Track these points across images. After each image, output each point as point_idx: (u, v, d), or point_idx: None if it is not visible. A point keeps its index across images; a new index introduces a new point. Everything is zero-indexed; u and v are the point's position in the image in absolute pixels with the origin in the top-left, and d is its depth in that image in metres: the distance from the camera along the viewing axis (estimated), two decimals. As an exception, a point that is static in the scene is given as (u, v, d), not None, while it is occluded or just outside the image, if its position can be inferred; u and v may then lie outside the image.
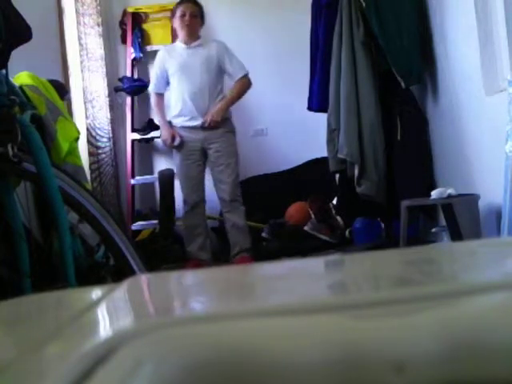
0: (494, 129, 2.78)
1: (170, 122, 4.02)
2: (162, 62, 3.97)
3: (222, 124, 3.84)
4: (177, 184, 4.31)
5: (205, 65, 3.85)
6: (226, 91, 3.95)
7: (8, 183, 1.61)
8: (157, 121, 4.25)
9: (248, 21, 4.94)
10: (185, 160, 3.87)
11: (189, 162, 3.86)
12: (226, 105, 3.87)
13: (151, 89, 4.06)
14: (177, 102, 3.89)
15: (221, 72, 3.91)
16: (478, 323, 0.31)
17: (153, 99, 4.08)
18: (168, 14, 4.90)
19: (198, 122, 3.83)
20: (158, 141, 5.01)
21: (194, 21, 3.90)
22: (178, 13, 3.91)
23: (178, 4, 3.96)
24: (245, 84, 3.93)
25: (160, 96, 4.02)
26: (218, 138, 3.84)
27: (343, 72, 3.66)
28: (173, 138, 3.86)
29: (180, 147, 3.88)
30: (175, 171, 4.05)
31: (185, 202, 3.87)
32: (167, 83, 3.96)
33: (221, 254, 4.27)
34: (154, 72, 4.06)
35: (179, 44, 3.98)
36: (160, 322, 0.36)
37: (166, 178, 4.36)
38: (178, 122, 3.90)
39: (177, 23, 3.94)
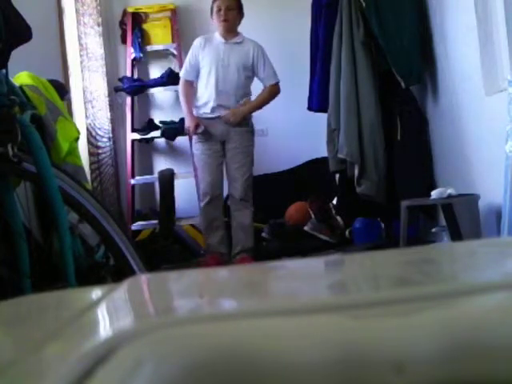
0: (493, 129, 2.78)
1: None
2: (196, 51, 3.92)
3: (242, 122, 3.84)
4: (176, 183, 4.31)
5: (239, 64, 3.83)
6: (252, 95, 3.93)
7: (8, 183, 1.61)
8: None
9: (248, 21, 4.93)
10: (207, 150, 3.84)
11: (210, 153, 3.84)
12: (249, 110, 3.88)
13: (182, 74, 4.00)
14: (203, 94, 3.86)
15: (252, 74, 3.90)
16: (478, 323, 0.31)
17: (181, 85, 3.99)
18: (168, 13, 4.91)
19: (219, 113, 3.81)
20: (158, 141, 5.01)
21: (231, 14, 3.85)
22: (215, 8, 3.88)
23: (214, 0, 3.93)
24: (273, 92, 3.92)
25: (189, 83, 3.95)
26: (237, 135, 3.83)
27: (343, 72, 3.66)
28: (196, 126, 3.83)
29: (201, 137, 3.85)
30: (196, 161, 4.01)
31: (204, 193, 3.82)
32: (197, 73, 3.91)
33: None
34: (186, 59, 4.00)
35: (218, 37, 3.93)
36: (160, 322, 0.36)
37: (166, 178, 4.35)
38: (201, 112, 3.88)
39: (214, 19, 3.90)
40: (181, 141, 4.79)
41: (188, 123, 3.88)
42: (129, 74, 4.89)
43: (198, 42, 3.96)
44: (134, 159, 4.83)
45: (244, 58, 3.85)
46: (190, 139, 4.17)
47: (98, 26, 4.61)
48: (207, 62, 3.85)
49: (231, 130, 3.82)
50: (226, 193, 3.99)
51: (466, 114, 3.19)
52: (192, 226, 4.53)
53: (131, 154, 4.79)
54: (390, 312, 0.34)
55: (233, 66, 3.82)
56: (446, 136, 3.49)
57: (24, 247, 1.59)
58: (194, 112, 3.90)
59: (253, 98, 3.97)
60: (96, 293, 0.61)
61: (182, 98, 3.98)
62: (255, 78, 3.95)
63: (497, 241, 1.09)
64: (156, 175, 4.60)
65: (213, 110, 3.83)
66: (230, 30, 3.88)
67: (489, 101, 2.86)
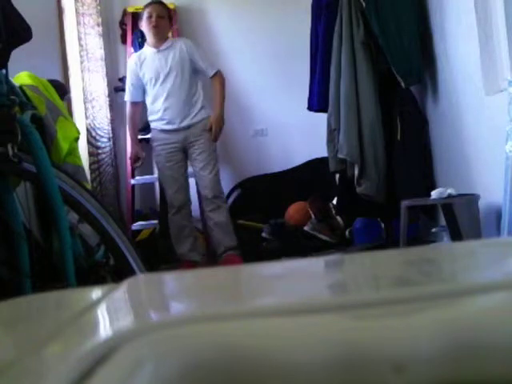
0: (493, 129, 2.78)
1: (145, 127, 4.03)
2: (134, 70, 3.92)
3: (200, 123, 3.86)
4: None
5: (178, 67, 3.84)
6: (201, 89, 3.94)
7: (8, 183, 1.61)
8: (128, 134, 4.22)
9: (248, 21, 4.94)
10: (167, 162, 3.85)
11: (171, 164, 3.85)
12: (221, 109, 3.89)
13: (127, 98, 4.00)
14: (154, 107, 3.88)
15: (194, 71, 3.90)
16: (478, 323, 0.31)
17: (128, 109, 4.00)
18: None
19: (176, 125, 3.84)
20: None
21: (162, 22, 3.85)
22: (145, 14, 3.87)
23: (145, 6, 3.92)
24: (222, 80, 3.94)
25: (136, 105, 3.97)
26: (198, 136, 3.85)
27: (343, 72, 3.66)
28: (136, 159, 3.92)
29: (161, 150, 3.88)
30: (157, 175, 4.04)
31: (170, 204, 3.84)
32: (143, 91, 3.92)
33: (211, 255, 4.26)
34: (128, 81, 3.99)
35: (149, 49, 3.92)
36: (160, 322, 0.36)
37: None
38: (158, 125, 3.90)
39: (144, 25, 3.89)
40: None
41: (131, 154, 3.99)
42: (129, 73, 4.88)
43: (132, 61, 3.98)
44: (134, 159, 4.83)
45: (180, 59, 3.86)
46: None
47: (98, 26, 4.61)
48: (148, 77, 3.86)
49: (191, 134, 3.84)
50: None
51: (466, 114, 3.19)
52: (192, 226, 4.52)
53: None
54: (390, 312, 0.34)
55: (173, 72, 3.83)
56: (446, 136, 3.49)
57: (24, 247, 1.59)
58: (152, 126, 3.93)
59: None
60: (96, 293, 0.61)
61: (128, 124, 4.02)
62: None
63: (497, 241, 1.09)
64: (156, 175, 4.60)
65: (168, 121, 3.85)
66: (161, 37, 3.88)
67: (489, 101, 2.85)
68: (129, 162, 4.75)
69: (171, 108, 3.82)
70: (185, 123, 3.84)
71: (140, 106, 3.99)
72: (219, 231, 3.84)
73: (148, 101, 3.91)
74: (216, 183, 3.86)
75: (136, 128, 3.99)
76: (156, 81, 3.83)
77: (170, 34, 4.09)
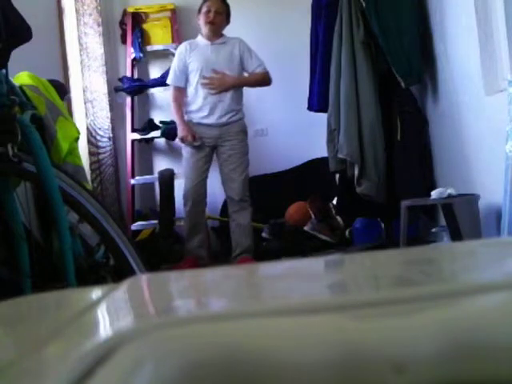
0: (493, 129, 2.78)
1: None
2: (183, 55, 3.90)
3: (236, 123, 3.85)
4: (176, 183, 4.31)
5: (228, 63, 3.84)
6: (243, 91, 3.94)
7: (8, 183, 1.61)
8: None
9: (248, 21, 4.94)
10: (195, 155, 3.83)
11: (198, 158, 3.83)
12: (239, 80, 3.86)
13: (170, 81, 3.95)
14: (196, 98, 3.84)
15: (242, 71, 3.90)
16: (478, 323, 0.31)
17: (172, 93, 3.96)
18: (168, 13, 4.91)
19: (213, 120, 3.81)
20: (158, 141, 5.01)
21: (219, 18, 3.87)
22: (204, 8, 3.88)
23: (205, 0, 3.93)
24: (266, 78, 3.92)
25: (179, 90, 3.92)
26: (232, 137, 3.83)
27: (343, 72, 3.66)
28: (193, 137, 3.82)
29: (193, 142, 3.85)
30: (183, 164, 3.98)
31: (186, 198, 3.82)
32: (186, 78, 3.89)
33: (220, 254, 4.26)
34: (173, 65, 3.96)
35: (202, 40, 3.93)
36: (160, 322, 0.36)
37: (166, 178, 4.36)
38: (195, 117, 3.86)
39: (201, 19, 3.90)
40: (181, 141, 4.79)
41: (183, 133, 3.84)
42: (129, 74, 4.89)
43: (183, 46, 3.96)
44: (134, 159, 4.83)
45: (231, 56, 3.86)
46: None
47: (98, 26, 4.61)
48: (195, 66, 3.84)
49: (226, 132, 3.82)
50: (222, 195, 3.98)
51: (466, 114, 3.19)
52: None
53: (131, 154, 4.79)
54: (390, 312, 0.34)
55: (223, 67, 3.82)
56: (446, 136, 3.49)
57: (24, 247, 1.59)
58: (186, 117, 3.89)
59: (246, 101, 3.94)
60: (96, 293, 0.61)
61: (174, 106, 3.95)
62: None
63: (497, 241, 1.09)
64: (156, 175, 4.61)
65: (206, 115, 3.83)
66: (215, 32, 3.89)
67: (489, 101, 2.85)
68: (129, 161, 4.76)
69: (212, 102, 3.80)
70: (222, 120, 3.82)
71: (182, 92, 3.92)
72: (240, 233, 3.84)
73: (189, 90, 3.88)
74: (245, 186, 3.84)
75: (182, 110, 3.91)
76: (202, 71, 3.81)
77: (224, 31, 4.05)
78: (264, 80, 3.93)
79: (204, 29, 3.90)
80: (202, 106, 3.82)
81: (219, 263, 3.97)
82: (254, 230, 4.04)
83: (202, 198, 3.85)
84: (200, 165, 3.83)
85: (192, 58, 3.87)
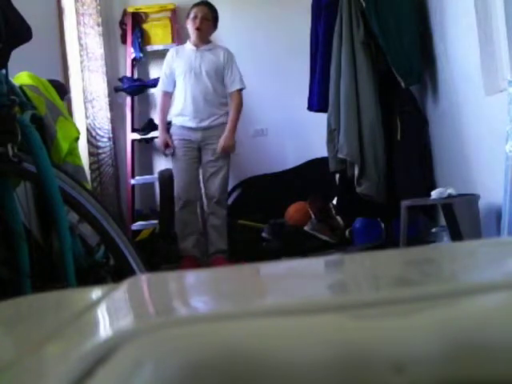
0: (493, 129, 2.78)
1: (169, 122, 4.04)
2: (170, 61, 4.00)
3: (218, 127, 3.90)
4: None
5: (212, 70, 3.90)
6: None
7: (8, 183, 1.61)
8: (157, 121, 4.26)
9: (248, 21, 4.94)
10: (183, 155, 3.91)
11: (187, 158, 3.91)
12: (233, 128, 3.92)
13: (159, 87, 4.08)
14: (179, 102, 3.93)
15: (222, 80, 3.95)
16: (478, 323, 0.31)
17: (159, 98, 4.09)
18: (168, 14, 4.91)
19: (194, 124, 3.88)
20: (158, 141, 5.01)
21: (205, 24, 3.94)
22: (191, 15, 3.97)
23: (193, 6, 4.02)
24: (239, 101, 3.95)
25: (167, 95, 4.03)
26: (214, 141, 3.89)
27: (343, 72, 3.66)
28: (166, 146, 3.93)
29: (180, 143, 3.91)
30: (173, 165, 4.05)
31: (177, 197, 3.89)
32: (174, 83, 3.98)
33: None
34: (162, 71, 4.08)
35: (189, 45, 4.02)
36: (160, 322, 0.36)
37: (166, 178, 4.36)
38: (178, 121, 3.95)
39: (189, 24, 3.99)
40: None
41: (159, 142, 4.01)
42: (129, 74, 4.89)
43: (170, 53, 4.07)
44: (134, 159, 4.83)
45: (216, 63, 3.92)
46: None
47: (98, 26, 4.61)
48: (181, 71, 3.92)
49: (209, 135, 3.89)
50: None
51: (466, 113, 3.19)
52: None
53: (131, 154, 4.80)
54: (390, 312, 0.34)
55: (206, 73, 3.88)
56: (446, 136, 3.49)
57: (24, 247, 1.59)
58: (173, 121, 3.98)
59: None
60: (96, 293, 0.61)
61: (158, 112, 4.07)
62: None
63: (497, 241, 1.09)
64: (156, 175, 4.61)
65: (188, 119, 3.89)
66: (202, 38, 3.95)
67: (489, 101, 2.85)
68: (129, 161, 4.77)
69: (194, 106, 3.86)
70: (204, 124, 3.88)
71: (170, 97, 4.04)
72: (215, 234, 3.91)
73: (176, 94, 3.98)
74: (224, 189, 3.94)
75: (165, 117, 4.03)
76: (185, 75, 3.89)
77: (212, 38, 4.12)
78: (238, 104, 3.95)
79: (191, 35, 3.99)
80: (184, 109, 3.90)
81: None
82: (254, 230, 4.05)
83: (193, 198, 3.91)
84: (188, 166, 3.91)
85: (177, 63, 3.96)
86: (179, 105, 3.92)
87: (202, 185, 4.03)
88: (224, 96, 3.95)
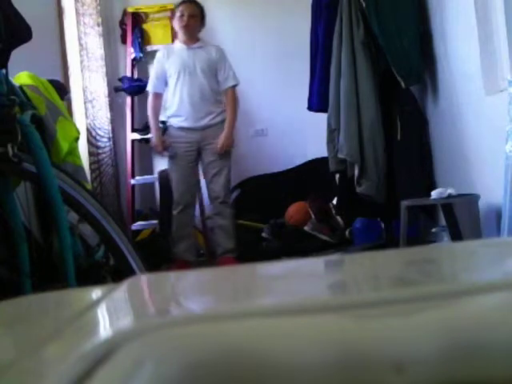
0: (493, 129, 2.78)
1: (164, 122, 4.03)
2: (161, 62, 3.95)
3: (217, 126, 3.87)
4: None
5: (205, 68, 3.86)
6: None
7: (8, 183, 1.61)
8: (150, 123, 4.22)
9: (248, 21, 4.94)
10: (180, 161, 3.87)
11: (185, 163, 3.86)
12: (232, 126, 3.89)
13: (149, 88, 4.02)
14: (174, 102, 3.89)
15: (216, 77, 3.92)
16: (478, 323, 0.31)
17: (150, 99, 4.01)
18: (168, 13, 4.91)
19: (191, 124, 3.84)
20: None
21: (193, 21, 3.89)
22: (178, 13, 3.92)
23: (179, 4, 3.96)
24: (233, 98, 3.92)
25: (158, 96, 3.97)
26: (214, 140, 3.85)
27: (343, 72, 3.66)
28: (164, 146, 3.89)
29: (176, 146, 3.88)
30: (170, 169, 4.01)
31: (176, 202, 3.85)
32: (165, 84, 3.94)
33: (211, 255, 4.27)
34: (152, 72, 4.05)
35: (179, 44, 3.98)
36: (160, 322, 0.36)
37: (166, 178, 4.36)
38: (174, 121, 3.91)
39: (176, 23, 3.95)
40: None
41: (154, 143, 3.94)
42: (129, 74, 4.89)
43: (161, 53, 4.02)
44: (133, 159, 4.83)
45: (209, 60, 3.88)
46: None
47: (98, 26, 4.61)
48: (174, 71, 3.87)
49: (208, 135, 3.84)
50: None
51: (466, 113, 3.19)
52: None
53: (131, 154, 4.80)
54: (390, 312, 0.34)
55: (200, 71, 3.84)
56: (446, 136, 3.49)
57: (24, 247, 1.59)
58: (169, 122, 3.94)
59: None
60: (96, 293, 0.61)
61: (150, 113, 3.99)
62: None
63: (497, 241, 1.09)
64: (156, 175, 4.61)
65: (184, 119, 3.86)
66: (191, 36, 3.91)
67: (489, 101, 2.85)
68: (129, 161, 4.76)
69: (191, 106, 3.83)
70: (202, 123, 3.84)
71: (161, 98, 3.99)
72: (222, 234, 3.88)
73: (168, 94, 3.93)
74: (227, 189, 3.91)
75: (157, 118, 3.98)
76: (179, 75, 3.85)
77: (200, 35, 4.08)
78: (235, 101, 3.93)
79: (179, 33, 3.95)
80: (180, 109, 3.86)
81: (207, 265, 3.99)
82: (254, 230, 4.05)
83: (190, 202, 3.90)
84: (187, 169, 3.87)
85: (170, 63, 3.91)
86: (174, 105, 3.88)
87: (205, 186, 3.99)
88: (219, 93, 3.91)
